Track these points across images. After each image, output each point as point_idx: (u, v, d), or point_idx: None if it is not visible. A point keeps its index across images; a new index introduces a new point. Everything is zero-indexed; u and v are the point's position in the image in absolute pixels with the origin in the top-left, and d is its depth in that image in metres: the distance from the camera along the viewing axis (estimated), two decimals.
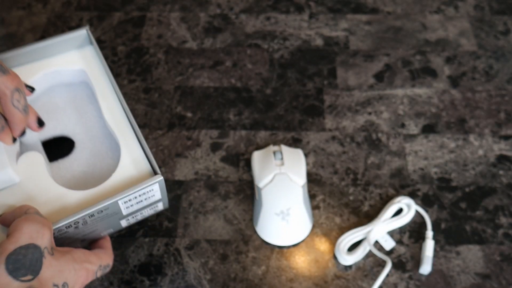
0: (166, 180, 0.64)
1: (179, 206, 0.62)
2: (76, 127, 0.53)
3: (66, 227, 0.44)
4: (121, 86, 0.74)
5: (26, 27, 0.82)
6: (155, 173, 0.48)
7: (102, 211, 0.45)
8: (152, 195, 0.48)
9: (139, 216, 0.51)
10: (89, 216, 0.44)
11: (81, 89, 0.56)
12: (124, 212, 0.48)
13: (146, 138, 0.68)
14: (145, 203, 0.48)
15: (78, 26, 0.81)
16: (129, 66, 0.76)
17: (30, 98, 0.54)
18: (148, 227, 0.61)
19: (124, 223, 0.51)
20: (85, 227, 0.46)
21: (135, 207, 0.48)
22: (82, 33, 0.55)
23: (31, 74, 0.53)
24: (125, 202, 0.46)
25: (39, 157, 0.48)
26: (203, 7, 0.84)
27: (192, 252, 0.59)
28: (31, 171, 0.47)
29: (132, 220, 0.51)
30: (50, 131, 0.53)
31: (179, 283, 0.57)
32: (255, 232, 0.60)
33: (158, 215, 0.62)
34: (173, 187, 0.64)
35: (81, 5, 0.85)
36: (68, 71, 0.55)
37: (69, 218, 0.43)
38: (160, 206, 0.52)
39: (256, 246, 0.59)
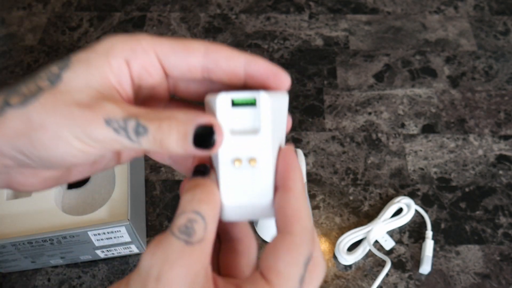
0: (166, 180, 0.64)
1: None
2: None
3: (42, 240, 0.52)
4: None
5: (26, 27, 0.82)
6: (128, 217, 0.53)
7: (73, 236, 0.53)
8: (120, 236, 0.54)
9: (115, 252, 0.57)
10: (62, 237, 0.52)
11: None
12: (97, 244, 0.54)
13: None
14: (115, 241, 0.55)
15: (78, 26, 0.82)
16: None
17: None
18: (149, 227, 0.61)
19: (101, 254, 0.57)
20: (61, 246, 0.53)
21: (106, 242, 0.55)
22: None
23: None
24: (95, 235, 0.53)
25: None
26: (203, 7, 0.84)
27: None
28: (43, 192, 0.56)
29: (108, 254, 0.57)
30: None
31: None
32: (255, 232, 0.60)
33: (158, 215, 0.62)
34: (173, 187, 0.64)
35: (82, 5, 0.85)
36: None
37: (45, 235, 0.52)
38: (134, 249, 0.57)
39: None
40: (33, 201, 0.56)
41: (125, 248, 0.56)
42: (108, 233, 0.53)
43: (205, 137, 0.23)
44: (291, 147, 0.26)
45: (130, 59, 0.25)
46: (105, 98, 0.24)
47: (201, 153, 0.23)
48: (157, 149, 0.24)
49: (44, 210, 0.55)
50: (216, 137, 0.23)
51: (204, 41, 0.26)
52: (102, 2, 0.85)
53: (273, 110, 0.24)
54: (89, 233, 0.52)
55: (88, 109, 0.24)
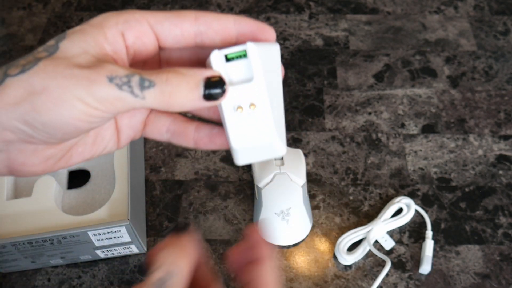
0: (166, 180, 0.64)
1: (179, 206, 0.62)
2: (95, 163, 0.61)
3: (42, 240, 0.52)
4: None
5: (26, 27, 0.82)
6: (128, 217, 0.53)
7: (73, 236, 0.52)
8: (120, 236, 0.54)
9: (115, 252, 0.57)
10: (62, 237, 0.52)
11: None
12: (97, 244, 0.54)
13: (146, 138, 0.68)
14: (115, 241, 0.55)
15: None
16: None
17: None
18: (149, 227, 0.61)
19: (101, 254, 0.57)
20: (60, 246, 0.53)
21: (106, 242, 0.55)
22: None
23: None
24: (95, 235, 0.53)
25: (51, 182, 0.57)
26: (203, 7, 0.84)
27: None
28: (43, 192, 0.56)
29: (108, 254, 0.57)
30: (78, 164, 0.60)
31: None
32: None
33: (158, 214, 0.62)
34: (173, 187, 0.64)
35: (82, 5, 0.85)
36: None
37: (45, 235, 0.52)
38: (134, 249, 0.57)
39: None
40: (33, 201, 0.56)
41: (125, 248, 0.56)
42: (108, 233, 0.53)
43: (214, 88, 0.25)
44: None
45: (125, 30, 0.26)
46: (104, 61, 0.24)
47: (208, 104, 0.25)
48: (163, 104, 0.24)
49: (44, 210, 0.55)
50: (224, 87, 0.25)
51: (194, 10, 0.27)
52: (102, 2, 0.85)
53: (263, 58, 0.27)
54: (89, 233, 0.53)
55: (89, 69, 0.24)
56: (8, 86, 0.24)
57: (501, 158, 0.66)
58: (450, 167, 0.65)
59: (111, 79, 0.23)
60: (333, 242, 0.59)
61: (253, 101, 0.27)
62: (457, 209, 0.62)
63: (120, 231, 0.53)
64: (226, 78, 0.26)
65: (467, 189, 0.63)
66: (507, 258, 0.58)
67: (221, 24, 0.26)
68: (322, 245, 0.59)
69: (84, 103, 0.23)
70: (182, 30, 0.26)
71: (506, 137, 0.68)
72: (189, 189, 0.64)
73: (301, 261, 0.58)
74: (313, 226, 0.60)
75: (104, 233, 0.53)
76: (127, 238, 0.54)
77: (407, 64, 0.76)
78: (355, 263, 0.58)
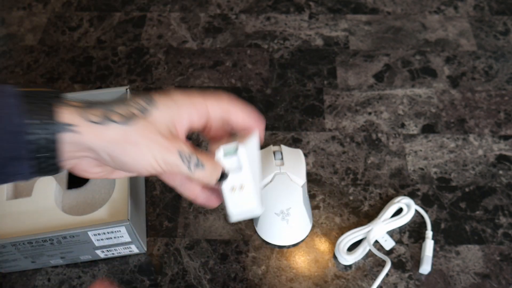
0: None
1: (179, 206, 0.62)
2: None
3: (42, 240, 0.52)
4: (121, 86, 0.74)
5: (26, 27, 0.82)
6: (128, 217, 0.54)
7: (73, 236, 0.52)
8: (120, 236, 0.54)
9: (115, 252, 0.57)
10: (62, 237, 0.52)
11: None
12: (97, 244, 0.54)
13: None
14: (115, 241, 0.54)
15: (78, 26, 0.82)
16: (129, 66, 0.76)
17: None
18: (149, 227, 0.61)
19: (101, 254, 0.57)
20: (60, 246, 0.53)
21: (106, 242, 0.54)
22: (122, 91, 0.62)
23: None
24: (95, 235, 0.53)
25: (51, 182, 0.57)
26: (203, 7, 0.84)
27: (192, 252, 0.59)
28: (43, 192, 0.57)
29: (108, 254, 0.57)
30: None
31: (179, 283, 0.57)
32: (255, 232, 0.60)
33: (158, 215, 0.62)
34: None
35: (82, 5, 0.85)
36: None
37: (45, 235, 0.51)
38: (134, 249, 0.57)
39: (256, 246, 0.59)
40: (33, 201, 0.56)
41: (125, 248, 0.56)
42: (108, 233, 0.53)
43: (223, 177, 0.38)
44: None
45: (193, 115, 0.37)
46: (175, 135, 0.36)
47: (216, 185, 0.39)
48: (204, 180, 0.37)
49: (44, 210, 0.55)
50: (228, 177, 0.39)
51: (229, 99, 0.39)
52: (102, 2, 0.85)
53: (248, 150, 0.39)
54: (89, 233, 0.53)
55: (167, 140, 0.35)
56: (111, 129, 0.33)
57: (501, 158, 0.66)
58: (450, 167, 0.65)
59: (180, 153, 0.35)
60: (333, 242, 0.59)
61: (242, 184, 0.40)
62: (457, 209, 0.62)
63: (120, 231, 0.53)
64: (225, 169, 0.39)
65: (467, 189, 0.63)
66: (507, 258, 0.58)
67: (241, 117, 0.39)
68: (322, 245, 0.59)
69: (157, 162, 0.34)
70: (223, 117, 0.39)
71: (506, 137, 0.68)
72: None
73: (301, 261, 0.58)
74: (313, 226, 0.60)
75: (104, 233, 0.53)
76: (127, 238, 0.54)
77: (407, 64, 0.76)
78: (355, 263, 0.58)
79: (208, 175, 0.37)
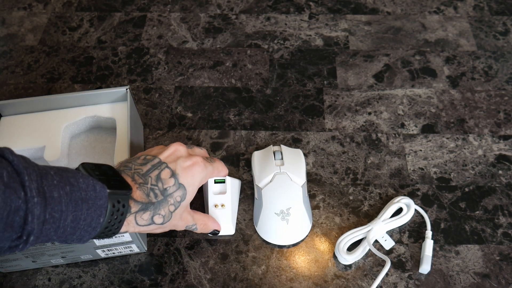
0: None
1: None
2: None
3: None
4: (121, 87, 0.74)
5: (27, 27, 0.82)
6: None
7: None
8: (121, 235, 0.54)
9: (116, 252, 0.57)
10: None
11: (111, 133, 0.65)
12: (98, 243, 0.55)
13: (146, 138, 0.68)
14: (116, 240, 0.55)
15: (78, 26, 0.82)
16: (129, 66, 0.76)
17: (72, 135, 0.65)
18: None
19: (102, 254, 0.57)
20: (61, 245, 0.53)
21: (107, 242, 0.55)
22: (122, 91, 0.63)
23: (76, 116, 0.64)
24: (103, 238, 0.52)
25: None
26: (203, 7, 0.84)
27: (192, 251, 0.59)
28: None
29: (109, 253, 0.57)
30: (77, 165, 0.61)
31: (179, 282, 0.57)
32: (255, 232, 0.60)
33: None
34: None
35: (82, 5, 0.85)
36: (103, 118, 0.64)
37: None
38: (135, 248, 0.57)
39: (256, 246, 0.59)
40: None
41: (126, 247, 0.56)
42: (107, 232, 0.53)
43: (213, 233, 0.58)
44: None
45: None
46: (189, 212, 0.53)
47: (208, 235, 0.60)
48: (195, 231, 0.55)
49: None
50: (217, 233, 0.59)
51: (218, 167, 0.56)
52: (102, 2, 0.85)
53: (231, 184, 0.59)
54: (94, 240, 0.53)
55: (189, 215, 0.52)
56: (151, 226, 0.48)
57: (500, 158, 0.66)
58: (450, 167, 0.65)
59: (187, 226, 0.53)
60: (333, 242, 0.59)
61: (224, 203, 0.59)
62: (456, 209, 0.62)
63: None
64: (212, 190, 0.59)
65: (466, 189, 0.63)
66: (507, 258, 0.58)
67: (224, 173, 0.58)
68: (322, 245, 0.59)
69: (184, 228, 0.53)
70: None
71: (506, 137, 0.68)
72: None
73: (301, 261, 0.58)
74: (313, 226, 0.61)
75: (102, 232, 0.53)
76: (127, 238, 0.54)
77: (407, 64, 0.76)
78: (355, 263, 0.58)
79: (200, 232, 0.56)
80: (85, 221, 0.40)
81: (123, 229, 0.45)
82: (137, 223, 0.45)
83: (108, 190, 0.41)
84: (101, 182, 0.41)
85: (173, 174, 0.48)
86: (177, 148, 0.51)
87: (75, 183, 0.39)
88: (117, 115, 0.63)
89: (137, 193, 0.45)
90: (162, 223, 0.47)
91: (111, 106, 0.64)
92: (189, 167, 0.50)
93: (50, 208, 0.36)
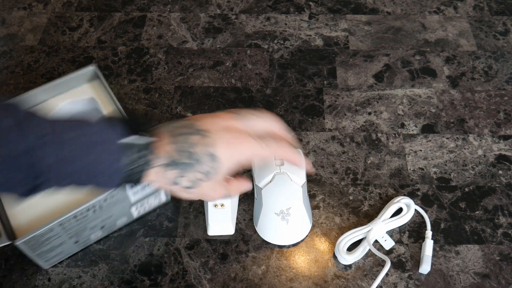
0: None
1: (179, 206, 0.63)
2: None
3: (86, 210, 0.53)
4: (121, 86, 0.74)
5: (26, 28, 0.82)
6: None
7: (113, 196, 0.54)
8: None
9: (146, 206, 0.59)
10: (103, 200, 0.53)
11: (94, 114, 0.64)
12: (132, 199, 0.56)
13: None
14: (148, 190, 0.57)
15: (78, 26, 0.82)
16: (129, 66, 0.76)
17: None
18: (148, 227, 0.61)
19: (135, 213, 0.59)
20: (102, 212, 0.55)
21: (141, 194, 0.57)
22: (90, 70, 0.62)
23: (53, 108, 0.62)
24: (131, 187, 0.55)
25: None
26: (203, 7, 0.84)
27: (192, 251, 0.59)
28: None
29: (141, 210, 0.59)
30: None
31: (179, 282, 0.57)
32: (255, 232, 0.60)
33: (158, 215, 0.62)
34: None
35: (82, 5, 0.85)
36: (81, 101, 0.63)
37: (89, 202, 0.53)
38: (162, 197, 0.60)
39: (256, 246, 0.59)
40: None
41: (155, 197, 0.59)
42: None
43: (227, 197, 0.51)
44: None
45: (246, 161, 0.47)
46: (222, 184, 0.47)
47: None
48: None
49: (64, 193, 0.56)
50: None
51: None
52: (102, 2, 0.85)
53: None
54: (126, 186, 0.53)
55: (216, 193, 0.48)
56: (176, 188, 0.45)
57: (500, 158, 0.66)
58: (450, 167, 0.65)
59: (224, 196, 0.49)
60: (333, 242, 0.59)
61: (223, 203, 0.59)
62: (456, 209, 0.62)
63: None
64: None
65: (466, 189, 0.63)
66: (507, 258, 0.58)
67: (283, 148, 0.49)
68: (322, 245, 0.59)
69: (216, 199, 0.54)
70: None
71: (505, 137, 0.68)
72: None
73: (301, 261, 0.58)
74: (313, 226, 0.61)
75: None
76: None
77: (407, 64, 0.76)
78: (355, 263, 0.58)
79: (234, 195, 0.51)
80: (102, 164, 0.40)
81: (150, 177, 0.43)
82: (164, 177, 0.43)
83: (124, 138, 0.41)
84: (123, 128, 0.41)
85: (210, 144, 0.44)
86: (226, 117, 0.47)
87: (89, 127, 0.40)
88: (94, 94, 0.63)
89: (166, 148, 0.43)
90: (189, 187, 0.45)
91: (87, 86, 0.64)
92: (231, 141, 0.45)
93: (63, 149, 0.38)
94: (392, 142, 0.68)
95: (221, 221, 0.59)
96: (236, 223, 0.61)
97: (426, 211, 0.61)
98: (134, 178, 0.43)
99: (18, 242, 0.51)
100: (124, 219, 0.59)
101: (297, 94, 0.73)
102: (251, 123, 0.48)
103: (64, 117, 0.41)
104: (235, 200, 0.61)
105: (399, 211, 0.61)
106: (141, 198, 0.57)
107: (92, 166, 0.40)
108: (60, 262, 0.58)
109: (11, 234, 0.52)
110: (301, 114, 0.70)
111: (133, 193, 0.56)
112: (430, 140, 0.68)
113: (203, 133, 0.45)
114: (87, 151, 0.39)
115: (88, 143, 0.39)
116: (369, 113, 0.70)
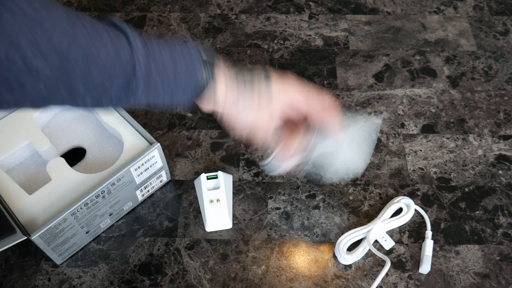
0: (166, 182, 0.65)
1: (179, 206, 0.63)
2: (84, 137, 0.64)
3: (95, 196, 0.55)
4: None
5: None
6: (151, 143, 0.59)
7: (120, 179, 0.56)
8: (155, 162, 0.59)
9: (150, 188, 0.62)
10: (111, 185, 0.56)
11: (92, 115, 0.66)
12: (137, 181, 0.59)
13: None
14: (151, 171, 0.60)
15: None
16: None
17: (46, 120, 0.65)
18: (148, 227, 0.61)
19: (139, 196, 0.61)
20: (110, 197, 0.57)
21: (144, 175, 0.59)
22: None
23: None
24: (135, 170, 0.57)
25: (60, 161, 0.60)
26: (203, 7, 0.84)
27: (192, 251, 0.59)
28: (59, 170, 0.59)
29: (145, 192, 0.62)
30: (67, 145, 0.64)
31: (179, 282, 0.57)
32: (255, 231, 0.60)
33: (158, 215, 0.62)
34: (174, 187, 0.64)
35: (82, 5, 0.85)
36: None
37: (97, 188, 0.54)
38: (164, 177, 0.63)
39: (256, 246, 0.59)
40: (58, 181, 0.58)
41: (157, 178, 0.62)
42: (145, 163, 0.58)
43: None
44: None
45: (290, 113, 0.51)
46: (274, 118, 0.50)
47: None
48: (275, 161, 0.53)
49: (73, 181, 0.58)
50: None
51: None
52: (102, 2, 0.85)
53: (224, 179, 0.61)
54: (131, 169, 0.56)
55: (270, 120, 0.50)
56: (246, 100, 0.48)
57: (500, 158, 0.66)
58: (450, 167, 0.65)
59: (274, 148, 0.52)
60: (333, 242, 0.59)
61: (219, 198, 0.60)
62: (456, 209, 0.62)
63: (154, 156, 0.58)
64: (205, 187, 0.61)
65: (466, 189, 0.63)
66: (507, 258, 0.58)
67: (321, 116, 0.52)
68: (322, 245, 0.59)
69: (268, 135, 0.51)
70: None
71: (505, 137, 0.68)
72: (189, 189, 0.64)
73: (301, 261, 0.58)
74: (313, 226, 0.61)
75: (142, 164, 0.58)
76: (159, 163, 0.60)
77: (407, 64, 0.76)
78: (355, 263, 0.58)
79: (280, 158, 0.53)
80: (185, 75, 0.45)
81: (218, 91, 0.47)
82: (226, 94, 0.47)
83: (201, 54, 0.46)
84: (195, 48, 0.46)
85: (267, 77, 0.49)
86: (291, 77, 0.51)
87: (173, 44, 0.45)
88: None
89: (226, 71, 0.48)
90: (248, 107, 0.48)
91: None
92: (286, 84, 0.50)
93: (153, 60, 0.42)
94: (392, 142, 0.68)
95: (218, 216, 0.60)
96: (236, 223, 0.61)
97: (426, 211, 0.61)
98: (205, 86, 0.47)
99: (34, 236, 0.51)
100: (130, 203, 0.61)
101: None
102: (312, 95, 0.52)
103: (150, 36, 0.46)
104: (230, 194, 0.62)
105: (399, 211, 0.61)
106: (145, 180, 0.60)
107: (178, 76, 0.44)
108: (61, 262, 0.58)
109: (23, 229, 0.53)
110: None
111: (137, 175, 0.58)
112: (430, 140, 0.68)
113: (263, 72, 0.50)
114: (174, 64, 0.44)
115: (174, 56, 0.45)
116: (369, 113, 0.70)
